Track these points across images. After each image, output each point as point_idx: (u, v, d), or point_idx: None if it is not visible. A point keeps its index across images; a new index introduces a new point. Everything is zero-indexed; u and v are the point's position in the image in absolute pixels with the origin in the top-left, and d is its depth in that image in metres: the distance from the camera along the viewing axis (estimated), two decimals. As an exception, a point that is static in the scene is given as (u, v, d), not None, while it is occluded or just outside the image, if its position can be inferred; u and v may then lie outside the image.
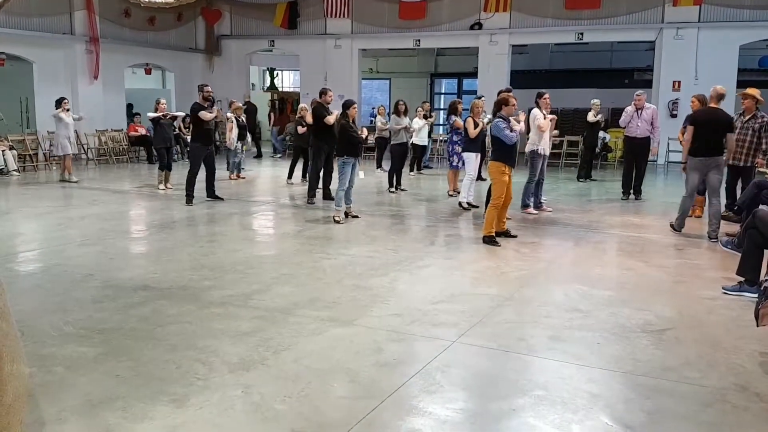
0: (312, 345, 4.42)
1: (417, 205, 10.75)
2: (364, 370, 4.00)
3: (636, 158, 11.35)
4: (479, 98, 10.50)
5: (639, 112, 11.14)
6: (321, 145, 10.36)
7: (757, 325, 4.30)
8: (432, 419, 3.40)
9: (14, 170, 14.42)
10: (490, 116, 9.00)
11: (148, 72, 22.04)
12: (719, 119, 7.89)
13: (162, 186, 12.17)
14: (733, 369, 4.07)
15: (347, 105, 9.05)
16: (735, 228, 7.88)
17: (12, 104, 17.49)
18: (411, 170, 14.50)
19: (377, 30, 20.28)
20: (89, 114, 16.47)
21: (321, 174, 10.77)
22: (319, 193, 10.84)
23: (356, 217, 9.19)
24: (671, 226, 8.41)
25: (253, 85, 25.07)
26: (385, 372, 3.98)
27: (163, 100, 12.48)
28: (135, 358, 4.15)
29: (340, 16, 20.39)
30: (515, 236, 7.91)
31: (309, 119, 11.57)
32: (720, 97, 8.08)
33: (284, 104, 24.44)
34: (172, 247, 7.55)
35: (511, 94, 8.49)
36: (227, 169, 14.11)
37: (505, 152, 7.63)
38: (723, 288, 5.73)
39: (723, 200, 9.34)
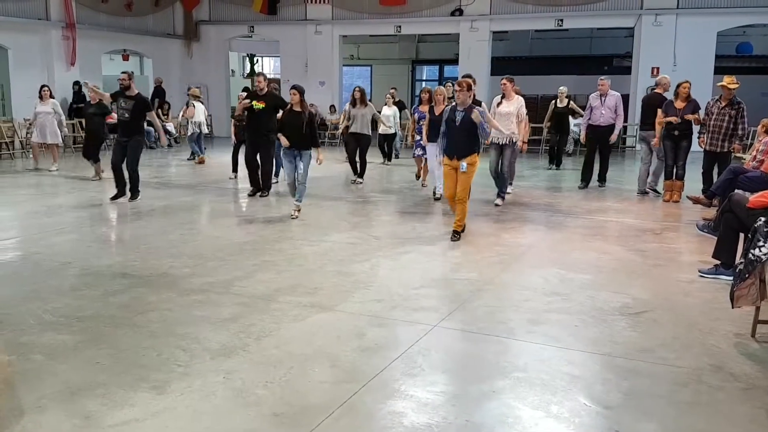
0: (294, 331, 4.42)
1: (396, 193, 10.75)
2: (345, 355, 4.01)
3: (599, 145, 10.92)
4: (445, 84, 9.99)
5: (602, 99, 10.67)
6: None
7: (732, 307, 4.39)
8: (413, 402, 3.42)
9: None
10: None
11: (125, 58, 21.77)
12: (652, 101, 10.16)
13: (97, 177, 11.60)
14: (709, 350, 4.15)
15: (299, 90, 8.21)
16: (711, 212, 7.99)
17: (-14, 91, 17.20)
18: (388, 160, 14.31)
19: (358, 16, 20.17)
20: (65, 101, 16.29)
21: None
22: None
23: (294, 217, 8.28)
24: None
25: (232, 71, 24.85)
26: (366, 356, 4.00)
27: (91, 85, 11.57)
28: (115, 346, 4.13)
29: (320, 2, 20.27)
30: (457, 239, 7.11)
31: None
32: (656, 84, 10.47)
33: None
34: (152, 234, 7.49)
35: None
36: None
37: (444, 142, 7.14)
38: (699, 271, 5.81)
39: (699, 185, 9.51)
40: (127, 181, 9.47)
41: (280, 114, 9.04)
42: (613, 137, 10.79)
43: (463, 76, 8.17)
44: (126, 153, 9.31)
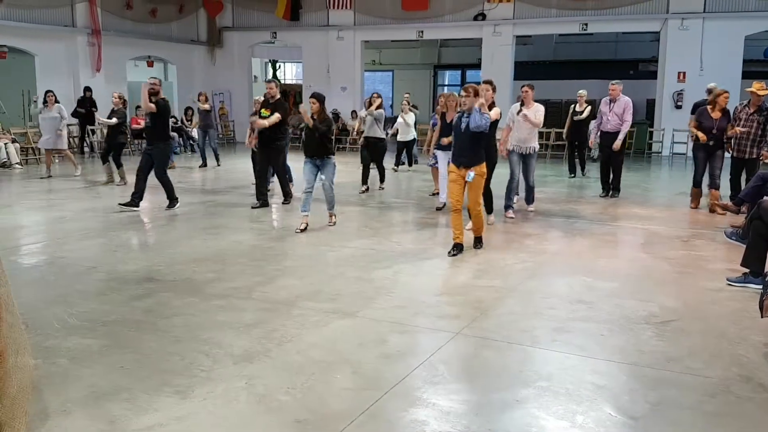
0: (315, 337, 4.42)
1: (417, 200, 10.72)
2: (367, 362, 3.99)
3: (609, 153, 10.45)
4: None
5: (611, 104, 10.29)
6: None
7: (762, 316, 4.29)
8: (435, 410, 3.39)
9: (17, 163, 14.41)
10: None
11: (150, 64, 22.00)
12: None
13: (111, 181, 11.83)
14: (738, 360, 4.06)
15: (318, 98, 8.01)
16: (740, 219, 7.85)
17: (14, 97, 17.48)
18: (396, 165, 13.99)
19: (380, 21, 20.21)
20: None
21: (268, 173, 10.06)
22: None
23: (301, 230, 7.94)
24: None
25: (255, 77, 25.03)
26: (388, 363, 3.98)
27: (116, 93, 12.12)
28: (139, 350, 4.16)
29: (342, 8, 20.35)
30: (480, 247, 7.03)
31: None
32: (708, 92, 10.33)
33: (287, 97, 24.36)
34: (176, 239, 7.55)
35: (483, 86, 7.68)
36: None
37: (453, 149, 6.92)
38: (727, 279, 5.71)
39: (727, 192, 9.37)
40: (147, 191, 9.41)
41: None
42: (617, 144, 10.17)
43: (483, 81, 7.99)
44: (151, 162, 9.24)
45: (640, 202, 10.23)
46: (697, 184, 9.56)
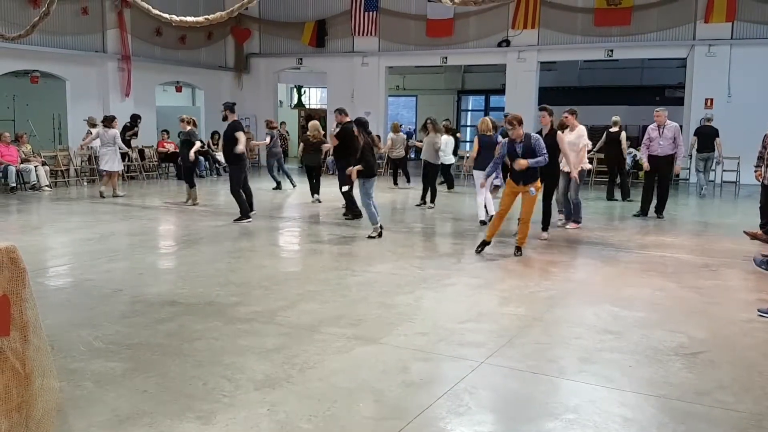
0: (337, 363, 4.39)
1: (443, 223, 10.69)
2: (390, 390, 3.95)
3: (658, 177, 10.94)
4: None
5: (661, 129, 10.71)
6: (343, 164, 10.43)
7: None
8: (459, 441, 3.34)
9: (46, 186, 14.67)
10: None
11: (178, 90, 22.38)
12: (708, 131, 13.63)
13: (190, 202, 12.52)
14: (771, 394, 3.95)
15: (362, 123, 9.15)
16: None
17: (45, 121, 17.84)
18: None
19: (404, 48, 20.36)
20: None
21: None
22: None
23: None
24: None
25: (281, 102, 25.32)
26: (411, 392, 3.93)
27: (184, 117, 12.80)
28: (162, 374, 4.16)
29: (367, 34, 20.53)
30: (519, 254, 7.84)
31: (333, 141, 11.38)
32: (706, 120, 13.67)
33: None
34: (200, 262, 7.59)
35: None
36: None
37: (512, 170, 7.93)
38: (758, 310, 5.57)
39: (757, 220, 9.18)
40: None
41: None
42: (677, 169, 10.84)
43: (540, 108, 9.09)
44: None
45: (669, 229, 10.08)
46: None
